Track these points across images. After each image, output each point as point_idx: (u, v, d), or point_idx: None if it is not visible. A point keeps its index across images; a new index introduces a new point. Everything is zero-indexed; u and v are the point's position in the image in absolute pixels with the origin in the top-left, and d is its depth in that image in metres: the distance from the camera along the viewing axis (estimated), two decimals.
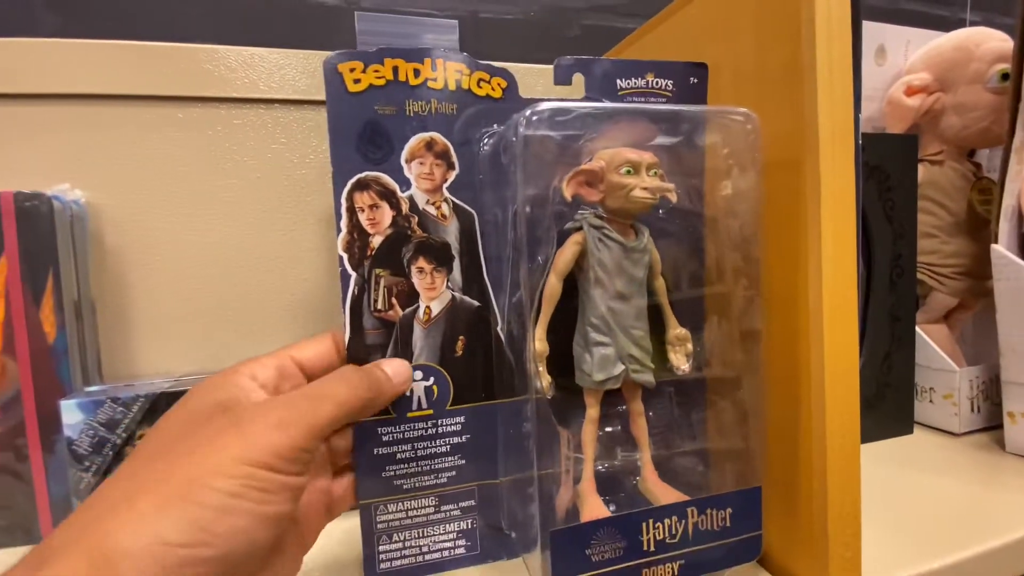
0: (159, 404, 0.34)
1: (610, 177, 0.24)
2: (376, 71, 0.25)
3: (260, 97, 0.37)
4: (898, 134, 0.48)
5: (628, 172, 0.24)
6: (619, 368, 0.25)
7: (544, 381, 0.24)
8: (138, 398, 0.33)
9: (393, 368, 0.25)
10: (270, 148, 0.39)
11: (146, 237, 0.38)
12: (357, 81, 0.25)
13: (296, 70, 0.38)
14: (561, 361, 0.25)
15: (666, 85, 0.29)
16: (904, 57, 0.51)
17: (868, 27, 0.50)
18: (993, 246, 0.40)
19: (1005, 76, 0.42)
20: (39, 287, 0.35)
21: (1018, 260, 0.38)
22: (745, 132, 0.25)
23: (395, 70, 0.25)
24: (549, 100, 0.24)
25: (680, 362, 0.26)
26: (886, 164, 0.43)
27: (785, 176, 0.26)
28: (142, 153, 0.37)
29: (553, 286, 0.25)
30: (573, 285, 0.25)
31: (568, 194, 0.24)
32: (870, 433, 0.43)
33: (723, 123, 0.26)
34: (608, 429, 0.27)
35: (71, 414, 0.32)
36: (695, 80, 0.29)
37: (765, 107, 0.26)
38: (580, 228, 0.25)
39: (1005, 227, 0.39)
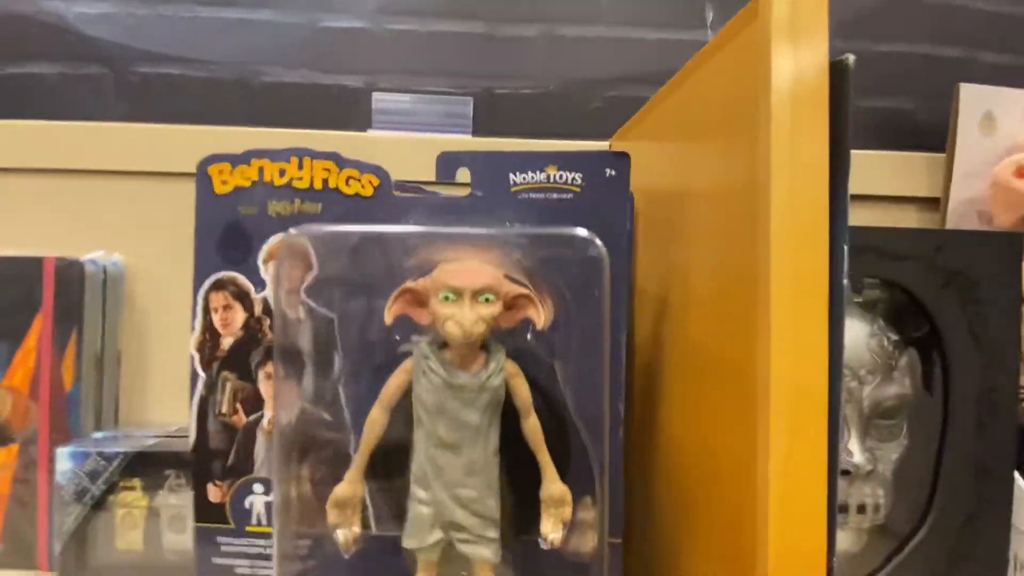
0: (137, 461, 0.39)
1: (431, 302, 0.22)
2: (243, 172, 0.27)
3: None
4: (992, 232, 0.40)
5: (447, 299, 0.22)
6: (435, 536, 0.22)
7: (344, 536, 0.23)
8: (119, 454, 0.34)
9: None
10: None
11: (172, 298, 0.40)
12: (225, 183, 0.27)
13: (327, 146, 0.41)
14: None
15: (573, 179, 0.26)
16: (1021, 125, 0.40)
17: (972, 91, 0.42)
18: None
19: None
20: (64, 341, 0.41)
21: None
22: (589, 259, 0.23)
23: (261, 171, 0.27)
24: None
25: (549, 530, 0.23)
26: (974, 269, 0.37)
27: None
28: (177, 223, 0.40)
29: (375, 417, 0.23)
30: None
31: (389, 317, 0.22)
32: None
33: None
34: None
35: (63, 462, 0.35)
36: (613, 172, 0.26)
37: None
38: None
39: None
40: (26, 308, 0.39)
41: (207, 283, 0.27)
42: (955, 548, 0.36)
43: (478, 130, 0.46)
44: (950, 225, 0.47)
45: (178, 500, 0.38)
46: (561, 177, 0.26)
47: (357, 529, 0.23)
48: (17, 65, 0.47)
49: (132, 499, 0.38)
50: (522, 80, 0.49)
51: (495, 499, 0.22)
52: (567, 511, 0.23)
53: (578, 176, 0.26)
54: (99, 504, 0.37)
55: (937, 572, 0.36)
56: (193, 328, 0.28)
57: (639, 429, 0.34)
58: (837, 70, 0.21)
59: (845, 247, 0.21)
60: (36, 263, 0.40)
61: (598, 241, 0.22)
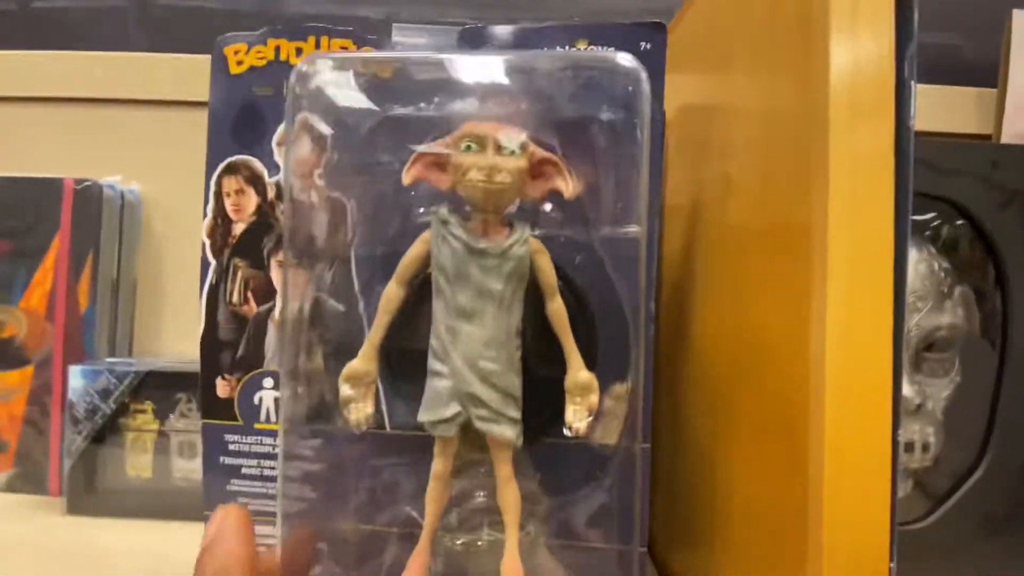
0: (148, 380, 0.38)
1: (453, 156, 0.20)
2: (259, 52, 0.26)
3: None
4: None
5: (468, 148, 0.20)
6: (452, 409, 0.20)
7: (356, 413, 0.21)
8: (130, 373, 0.33)
9: None
10: None
11: (189, 230, 0.40)
12: (240, 63, 0.26)
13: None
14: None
15: None
16: None
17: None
18: None
19: None
20: (80, 263, 0.41)
21: None
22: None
23: (277, 50, 0.26)
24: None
25: (574, 419, 0.21)
26: None
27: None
28: (196, 153, 0.40)
29: (390, 292, 0.22)
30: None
31: (407, 178, 0.21)
32: (1001, 564, 0.33)
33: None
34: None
35: (76, 380, 0.34)
36: (648, 46, 0.24)
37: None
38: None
39: None
40: (45, 229, 0.39)
41: (220, 167, 0.27)
42: (1015, 493, 0.33)
43: None
44: None
45: (188, 425, 0.37)
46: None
47: (370, 408, 0.21)
48: None
49: (142, 422, 0.37)
50: (546, 11, 0.47)
51: (516, 377, 0.21)
52: (593, 399, 0.21)
53: (610, 51, 0.24)
54: (109, 429, 0.37)
55: (994, 519, 0.33)
56: (205, 214, 0.27)
57: (667, 338, 0.31)
58: None
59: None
60: (56, 184, 0.40)
61: (644, 74, 0.19)
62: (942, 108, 0.45)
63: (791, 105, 0.22)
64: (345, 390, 0.21)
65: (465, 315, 0.20)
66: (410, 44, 0.48)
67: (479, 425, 0.20)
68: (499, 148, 0.20)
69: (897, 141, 0.20)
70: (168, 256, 0.46)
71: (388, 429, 0.25)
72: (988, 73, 0.46)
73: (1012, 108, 0.44)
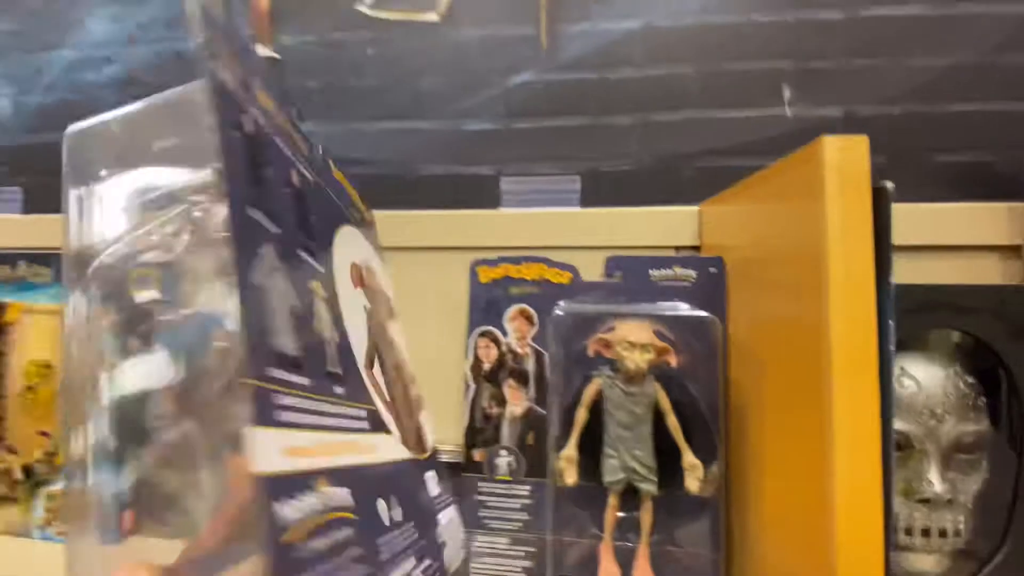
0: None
1: (615, 348, 0.39)
2: (495, 270, 0.47)
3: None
4: None
5: (625, 348, 0.39)
6: (620, 475, 0.39)
7: (569, 478, 0.39)
8: None
9: None
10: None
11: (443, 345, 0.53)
12: (486, 276, 0.48)
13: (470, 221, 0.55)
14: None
15: (688, 274, 0.43)
16: None
17: None
18: None
19: None
20: None
21: None
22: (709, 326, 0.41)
23: (505, 268, 0.47)
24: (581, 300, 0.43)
25: (692, 486, 0.38)
26: None
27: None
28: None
29: (579, 414, 0.41)
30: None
31: (590, 350, 0.40)
32: None
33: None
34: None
35: None
36: (714, 270, 0.42)
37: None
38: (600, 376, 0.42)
39: None
40: None
41: (476, 332, 0.47)
42: None
43: (585, 201, 0.56)
44: None
45: None
46: (682, 273, 0.44)
47: (575, 478, 0.40)
48: None
49: None
50: (621, 159, 0.58)
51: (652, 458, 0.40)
52: (700, 472, 0.38)
53: (692, 272, 0.43)
54: None
55: None
56: (467, 358, 0.47)
57: (734, 460, 0.41)
58: (879, 194, 0.29)
59: (891, 322, 0.28)
60: None
61: (717, 321, 0.40)
62: (975, 222, 0.49)
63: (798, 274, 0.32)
64: (560, 464, 0.40)
65: (625, 426, 0.39)
66: (515, 190, 0.61)
67: (637, 484, 0.39)
68: (641, 347, 0.38)
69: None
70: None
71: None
72: (1019, 187, 0.50)
73: None
